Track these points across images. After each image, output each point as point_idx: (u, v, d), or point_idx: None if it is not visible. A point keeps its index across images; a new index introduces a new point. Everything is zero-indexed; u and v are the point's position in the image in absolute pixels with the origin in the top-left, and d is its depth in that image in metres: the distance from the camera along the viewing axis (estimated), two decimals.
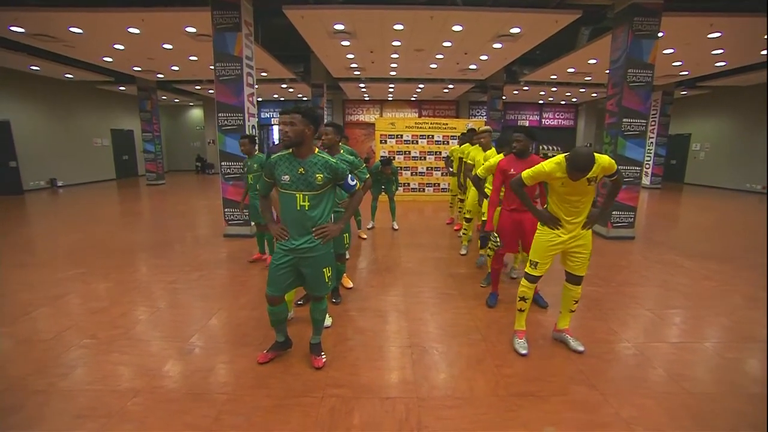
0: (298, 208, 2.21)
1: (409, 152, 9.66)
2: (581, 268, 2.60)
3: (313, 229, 2.25)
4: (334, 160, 2.26)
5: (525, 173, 2.55)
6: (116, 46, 8.11)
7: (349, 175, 2.32)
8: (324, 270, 2.34)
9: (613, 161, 2.37)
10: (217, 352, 2.68)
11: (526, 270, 2.67)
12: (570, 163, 2.28)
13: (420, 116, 16.67)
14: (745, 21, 6.36)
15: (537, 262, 2.60)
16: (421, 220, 7.50)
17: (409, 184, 9.77)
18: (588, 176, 2.33)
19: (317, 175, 2.19)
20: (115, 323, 3.07)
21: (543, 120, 17.25)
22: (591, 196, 2.47)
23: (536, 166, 2.48)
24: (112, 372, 2.43)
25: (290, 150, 2.24)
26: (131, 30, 6.94)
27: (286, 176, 2.19)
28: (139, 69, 10.55)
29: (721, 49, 8.00)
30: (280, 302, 2.42)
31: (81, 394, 2.20)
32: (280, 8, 6.14)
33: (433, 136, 9.67)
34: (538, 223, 2.63)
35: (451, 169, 6.50)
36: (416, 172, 9.74)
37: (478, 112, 16.80)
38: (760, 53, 8.28)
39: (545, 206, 2.64)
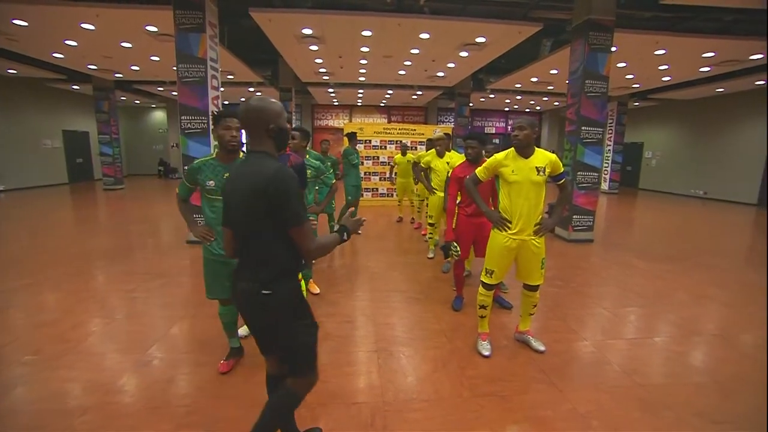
0: None
1: (378, 157, 9.71)
2: (536, 277, 2.64)
3: None
4: None
5: (479, 169, 2.67)
6: (68, 42, 7.63)
7: None
8: None
9: (561, 164, 2.55)
10: (178, 363, 2.57)
11: (481, 278, 2.72)
12: (513, 125, 2.52)
13: (389, 122, 16.81)
14: (686, 41, 6.93)
15: (492, 271, 2.65)
16: (389, 224, 7.53)
17: (377, 189, 9.80)
18: (537, 165, 2.46)
19: None
20: (64, 337, 2.88)
21: (509, 126, 17.85)
22: (542, 192, 2.52)
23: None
24: (58, 389, 2.27)
25: (213, 155, 2.24)
26: (84, 26, 6.57)
27: (212, 182, 2.18)
28: (95, 67, 10.00)
29: (666, 64, 8.63)
30: (230, 302, 2.43)
31: (22, 415, 2.05)
32: (246, 10, 6.03)
33: (401, 141, 9.75)
34: (492, 228, 2.68)
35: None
36: (384, 177, 9.79)
37: (446, 118, 17.15)
38: (699, 70, 9.02)
39: (496, 207, 2.72)
